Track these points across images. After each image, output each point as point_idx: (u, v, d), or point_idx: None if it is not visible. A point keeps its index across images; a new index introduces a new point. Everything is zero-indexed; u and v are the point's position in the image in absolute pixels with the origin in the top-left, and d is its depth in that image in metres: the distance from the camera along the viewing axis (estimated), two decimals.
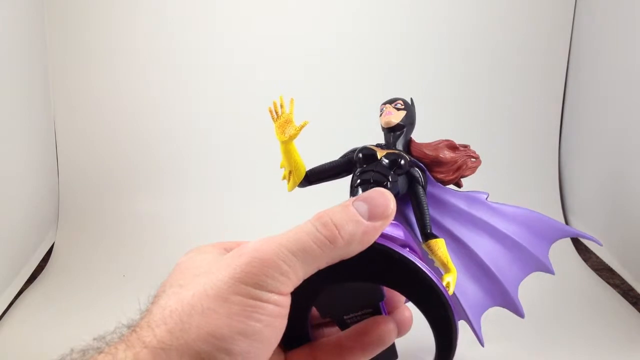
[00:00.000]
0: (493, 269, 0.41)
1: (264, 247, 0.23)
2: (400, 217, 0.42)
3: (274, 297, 0.23)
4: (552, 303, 0.74)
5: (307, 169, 0.42)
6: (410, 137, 0.43)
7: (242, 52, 0.96)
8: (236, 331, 0.21)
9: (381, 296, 0.29)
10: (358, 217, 0.24)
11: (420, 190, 0.39)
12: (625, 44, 0.81)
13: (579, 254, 0.87)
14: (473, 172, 0.41)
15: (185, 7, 0.94)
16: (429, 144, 0.41)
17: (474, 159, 0.41)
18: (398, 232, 0.29)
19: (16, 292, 0.76)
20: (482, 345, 0.43)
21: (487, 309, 0.43)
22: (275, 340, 0.24)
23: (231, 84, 0.97)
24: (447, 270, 0.37)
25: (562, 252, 0.88)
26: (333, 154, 0.44)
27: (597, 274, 0.81)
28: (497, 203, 0.40)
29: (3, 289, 0.73)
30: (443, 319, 0.27)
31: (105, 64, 0.94)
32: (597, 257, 0.86)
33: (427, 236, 0.38)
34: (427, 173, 0.40)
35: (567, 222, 0.95)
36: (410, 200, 0.40)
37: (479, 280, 0.42)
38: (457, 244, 0.41)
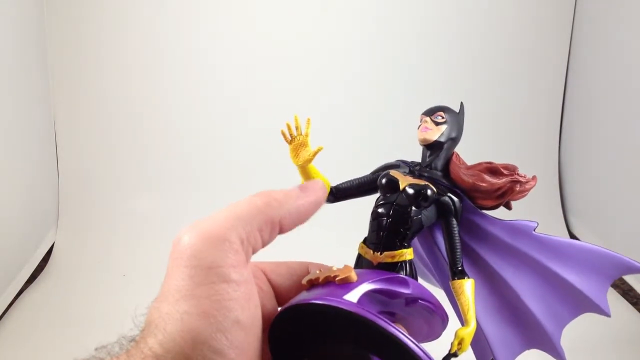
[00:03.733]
0: (533, 309, 0.36)
1: (200, 224, 0.24)
2: (429, 249, 0.39)
3: (233, 273, 0.22)
4: None
5: (333, 184, 0.39)
6: (453, 153, 0.38)
7: (244, 53, 0.96)
8: (215, 329, 0.21)
9: None
10: (289, 190, 0.27)
11: (453, 221, 0.35)
12: (626, 45, 0.81)
13: None
14: (524, 195, 0.36)
15: (185, 8, 0.94)
16: (469, 168, 0.37)
17: (522, 183, 0.35)
18: (403, 289, 0.28)
19: (16, 292, 0.75)
20: None
21: (522, 351, 0.38)
22: (257, 323, 0.24)
23: (232, 85, 0.97)
24: (466, 321, 0.33)
25: None
26: (367, 165, 0.41)
27: None
28: (548, 235, 0.36)
29: (3, 289, 0.73)
30: None
31: (105, 65, 0.94)
32: None
33: (455, 274, 0.34)
34: (465, 200, 0.36)
35: (567, 222, 0.95)
36: (441, 230, 0.36)
37: (515, 321, 0.37)
38: (494, 280, 0.37)
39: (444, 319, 0.31)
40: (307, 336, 0.25)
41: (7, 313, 0.71)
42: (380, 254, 0.33)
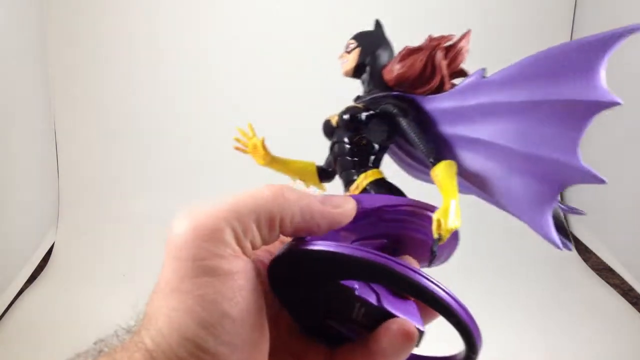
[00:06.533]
0: (532, 149, 0.30)
1: (193, 214, 0.23)
2: (406, 155, 0.37)
3: (220, 265, 0.21)
4: (553, 302, 0.74)
5: (317, 164, 0.39)
6: (386, 65, 0.36)
7: (244, 55, 0.96)
8: (200, 325, 0.20)
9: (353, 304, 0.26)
10: (309, 193, 0.25)
11: (403, 121, 0.33)
12: (626, 45, 0.81)
13: (579, 254, 0.87)
14: (462, 57, 0.32)
15: (184, 11, 0.94)
16: (394, 62, 0.35)
17: (446, 47, 0.32)
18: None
19: (16, 292, 0.76)
20: (559, 247, 0.30)
21: (555, 195, 0.31)
22: (253, 313, 0.22)
23: (233, 86, 0.97)
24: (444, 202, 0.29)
25: (562, 253, 0.88)
26: None
27: (597, 274, 0.81)
28: (500, 71, 0.31)
29: (3, 289, 0.73)
30: (436, 304, 0.23)
31: (105, 66, 0.94)
32: (597, 257, 0.86)
33: (433, 163, 0.31)
34: (409, 95, 0.34)
35: (567, 222, 0.95)
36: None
37: (525, 172, 0.31)
38: (478, 147, 0.33)
39: (430, 209, 0.28)
40: (303, 278, 0.24)
41: (7, 313, 0.71)
42: (348, 190, 0.34)
